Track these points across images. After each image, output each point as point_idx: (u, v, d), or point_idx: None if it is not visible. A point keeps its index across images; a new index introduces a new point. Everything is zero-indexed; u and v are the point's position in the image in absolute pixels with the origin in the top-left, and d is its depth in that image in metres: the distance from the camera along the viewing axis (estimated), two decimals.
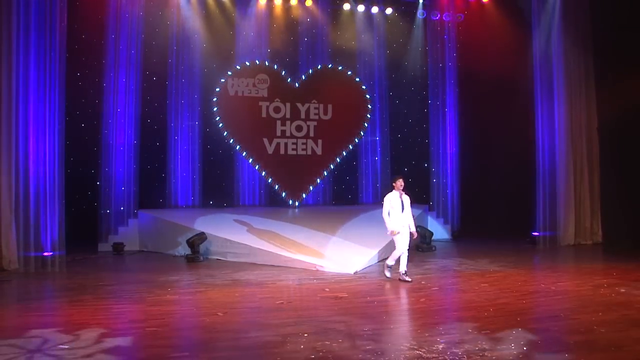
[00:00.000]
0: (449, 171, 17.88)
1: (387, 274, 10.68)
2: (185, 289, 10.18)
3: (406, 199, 10.58)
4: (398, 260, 10.55)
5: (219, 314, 8.28)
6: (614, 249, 14.07)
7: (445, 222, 17.65)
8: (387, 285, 10.27)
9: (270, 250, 12.78)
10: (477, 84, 17.13)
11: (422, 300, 9.02)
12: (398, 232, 10.36)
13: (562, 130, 15.21)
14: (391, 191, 10.64)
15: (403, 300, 9.16)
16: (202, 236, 13.45)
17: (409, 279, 10.33)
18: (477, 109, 17.30)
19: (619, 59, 14.60)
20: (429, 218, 17.21)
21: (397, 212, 10.42)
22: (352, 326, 7.46)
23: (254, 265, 12.48)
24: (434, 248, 14.80)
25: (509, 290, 9.62)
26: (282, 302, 8.93)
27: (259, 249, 12.92)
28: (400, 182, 10.56)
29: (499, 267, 11.97)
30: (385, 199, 10.60)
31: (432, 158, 18.08)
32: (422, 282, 10.50)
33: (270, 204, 17.29)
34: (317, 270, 11.72)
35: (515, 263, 12.45)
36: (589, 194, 15.47)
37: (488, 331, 7.12)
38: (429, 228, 15.87)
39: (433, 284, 10.43)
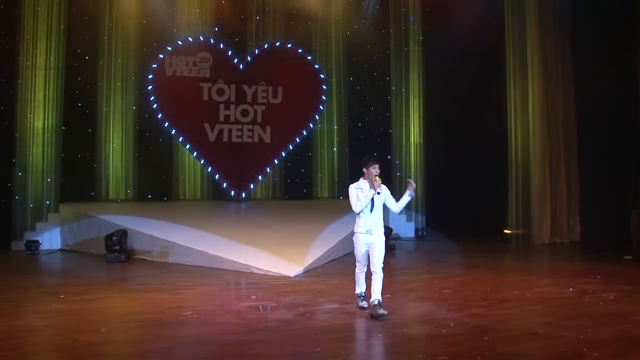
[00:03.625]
0: (413, 163, 15.98)
1: (361, 304, 7.25)
2: (81, 295, 8.09)
3: (381, 195, 6.84)
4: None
5: (102, 329, 6.31)
6: (593, 248, 12.33)
7: (409, 219, 15.76)
8: (329, 293, 8.33)
9: (200, 249, 10.79)
10: (445, 70, 15.21)
11: (367, 312, 7.11)
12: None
13: (537, 119, 13.45)
14: (358, 180, 7.07)
15: (342, 314, 7.21)
16: (123, 233, 11.38)
17: (384, 312, 6.65)
18: (444, 97, 15.39)
19: (598, 42, 12.79)
20: (391, 214, 15.33)
21: (365, 210, 6.85)
22: (264, 350, 5.53)
23: (181, 266, 10.54)
24: (393, 247, 12.91)
25: (476, 299, 7.77)
26: (189, 314, 6.94)
27: (188, 247, 10.94)
28: (375, 169, 6.85)
29: (465, 270, 10.17)
30: (350, 189, 7.01)
31: (395, 149, 16.18)
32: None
33: (215, 197, 15.27)
34: (252, 272, 9.78)
35: (485, 265, 10.68)
36: (566, 188, 13.72)
37: (445, 358, 5.23)
38: (390, 225, 13.95)
39: (385, 290, 8.50)
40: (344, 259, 11.35)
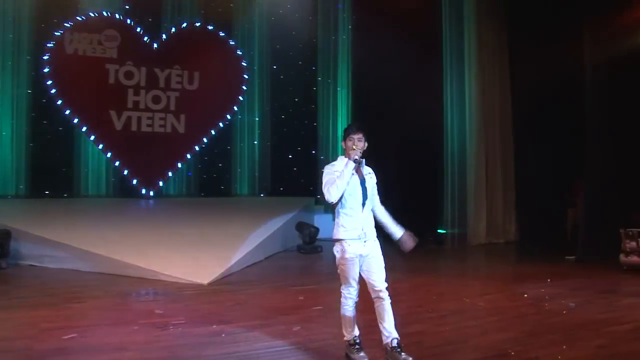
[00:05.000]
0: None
1: (359, 356, 4.86)
2: None
3: (370, 180, 4.83)
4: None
5: None
6: (530, 248, 11.60)
7: (333, 219, 14.60)
8: (249, 305, 7.01)
9: (100, 253, 9.12)
10: (377, 61, 14.13)
11: (295, 329, 5.85)
12: (348, 258, 4.66)
13: (473, 114, 12.63)
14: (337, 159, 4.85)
15: (266, 333, 5.92)
16: (4, 234, 9.56)
17: (407, 357, 4.63)
18: (374, 89, 14.30)
19: (537, 37, 12.06)
20: (316, 213, 14.16)
21: (354, 203, 4.66)
22: None
23: (77, 273, 8.87)
24: (319, 249, 11.72)
25: (423, 310, 6.68)
26: (70, 337, 5.42)
27: (86, 251, 9.24)
28: (359, 142, 4.69)
29: (403, 275, 9.06)
30: (324, 172, 4.78)
31: (321, 143, 15.05)
32: (300, 299, 7.34)
33: (121, 194, 13.58)
34: (160, 280, 8.30)
35: (424, 268, 9.68)
36: (502, 186, 12.98)
37: None
38: (315, 224, 12.75)
39: (313, 301, 7.28)
40: (265, 264, 10.07)
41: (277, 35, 15.16)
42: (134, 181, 13.25)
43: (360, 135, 4.68)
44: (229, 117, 14.25)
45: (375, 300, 4.75)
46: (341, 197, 4.61)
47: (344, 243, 4.64)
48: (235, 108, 14.34)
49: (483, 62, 12.72)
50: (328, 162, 14.44)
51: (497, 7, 12.93)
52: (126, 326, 5.88)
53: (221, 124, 14.03)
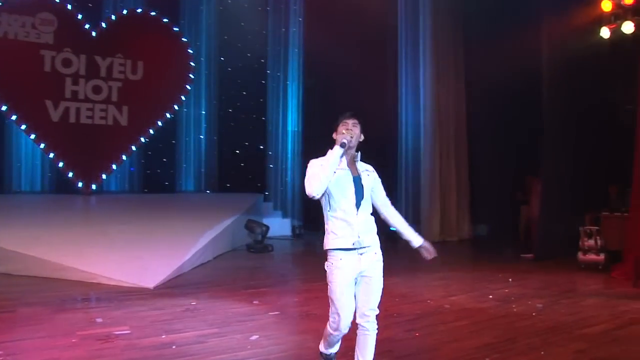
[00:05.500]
0: (289, 154, 14.34)
1: None
2: None
3: (368, 178, 3.90)
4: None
5: None
6: (484, 247, 11.37)
7: (285, 216, 14.13)
8: (202, 311, 6.40)
9: (34, 254, 8.24)
10: (329, 54, 13.62)
11: (253, 339, 5.29)
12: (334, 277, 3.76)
13: (427, 110, 12.31)
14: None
15: (225, 346, 5.33)
16: None
17: None
18: (325, 82, 13.85)
19: (492, 34, 11.83)
20: (265, 210, 13.60)
21: (346, 204, 3.75)
22: None
23: (7, 277, 7.98)
24: (270, 248, 11.17)
25: (388, 314, 6.17)
26: None
27: (17, 252, 8.34)
28: (354, 127, 3.86)
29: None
30: (310, 165, 3.84)
31: (270, 139, 14.48)
32: (254, 303, 6.78)
33: (58, 190, 12.63)
34: (100, 283, 7.57)
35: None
36: (456, 184, 12.74)
37: None
38: (265, 222, 12.17)
39: (268, 305, 6.74)
40: (214, 264, 9.43)
41: (225, 26, 14.51)
42: (72, 176, 12.23)
43: (355, 121, 3.83)
44: (174, 109, 13.42)
45: (359, 327, 3.81)
46: (330, 198, 3.73)
47: (333, 254, 3.71)
48: (181, 100, 13.53)
49: (438, 59, 12.42)
50: (277, 158, 13.99)
51: (454, 3, 12.65)
52: (62, 339, 5.17)
53: (166, 117, 13.18)
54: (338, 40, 12.97)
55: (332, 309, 3.81)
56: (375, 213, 3.93)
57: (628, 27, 8.98)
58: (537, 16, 9.81)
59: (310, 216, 14.12)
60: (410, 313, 6.33)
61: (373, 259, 3.79)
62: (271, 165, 14.52)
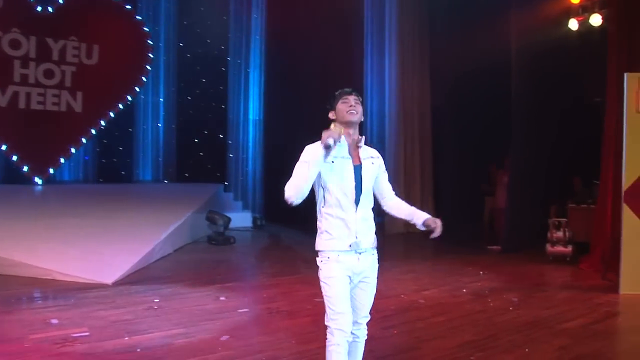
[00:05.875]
0: (250, 144, 13.88)
1: None
2: None
3: (372, 167, 3.28)
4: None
5: None
6: (449, 237, 11.14)
7: (245, 207, 13.69)
8: (165, 309, 5.97)
9: None
10: (291, 42, 13.21)
11: (223, 339, 4.92)
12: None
13: (392, 100, 12.04)
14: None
15: (185, 343, 4.95)
16: None
17: None
18: (289, 71, 13.39)
19: (456, 22, 11.59)
20: (225, 201, 13.14)
21: (343, 199, 3.16)
22: None
23: None
24: (232, 240, 10.73)
25: None
26: None
27: None
28: (357, 104, 3.22)
29: (306, 269, 8.30)
30: (304, 152, 3.18)
31: (230, 127, 13.99)
32: (221, 299, 6.39)
33: (6, 180, 11.86)
34: (55, 280, 7.03)
35: None
36: (420, 175, 12.54)
37: None
38: (225, 213, 11.72)
39: (235, 301, 6.37)
40: (175, 258, 8.96)
41: (185, 10, 13.93)
42: (22, 165, 11.50)
43: (357, 97, 3.22)
44: (131, 96, 12.78)
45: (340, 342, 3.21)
46: (325, 191, 3.16)
47: (328, 256, 3.15)
48: (139, 87, 12.89)
49: (404, 48, 12.16)
50: (237, 147, 13.52)
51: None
52: (13, 344, 4.68)
53: (123, 104, 12.52)
54: (301, 27, 12.60)
55: (330, 315, 3.14)
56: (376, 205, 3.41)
57: (596, 20, 8.91)
58: (506, 7, 9.63)
59: (272, 207, 13.74)
60: (385, 309, 6.04)
61: (371, 261, 3.29)
62: (231, 155, 14.05)
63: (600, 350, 4.87)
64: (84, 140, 12.21)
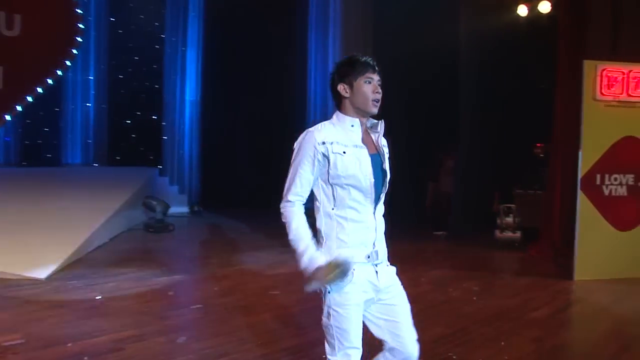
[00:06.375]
0: (187, 126, 13.12)
1: None
2: None
3: (386, 157, 2.56)
4: None
5: None
6: (392, 223, 10.85)
7: (182, 191, 12.98)
8: (110, 307, 5.37)
9: None
10: (231, 20, 12.50)
11: (180, 341, 4.42)
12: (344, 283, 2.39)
13: None
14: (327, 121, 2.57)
15: (138, 348, 4.40)
16: None
17: None
18: (230, 50, 12.71)
19: (401, 5, 11.21)
20: (161, 186, 12.40)
21: (361, 197, 2.42)
22: None
23: None
24: (171, 227, 10.10)
25: (318, 305, 5.55)
26: None
27: None
28: (371, 84, 2.47)
29: (275, 256, 7.92)
30: (302, 146, 2.45)
31: (166, 108, 13.17)
32: (170, 294, 5.85)
33: None
34: None
35: (290, 251, 8.51)
36: None
37: None
38: (160, 198, 10.99)
39: (186, 296, 5.86)
40: (111, 247, 8.29)
41: None
42: None
43: (379, 79, 2.51)
44: (59, 72, 11.70)
45: None
46: (334, 189, 2.42)
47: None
48: (67, 63, 11.81)
49: (348, 31, 11.69)
50: (173, 129, 12.83)
51: None
52: None
53: (50, 80, 11.43)
54: (242, 5, 11.97)
55: (338, 350, 2.43)
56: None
57: (544, 7, 8.83)
58: None
59: (208, 192, 13.13)
60: None
61: (389, 272, 2.59)
62: (166, 137, 13.25)
63: (573, 341, 4.78)
64: (8, 118, 11.05)
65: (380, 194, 2.47)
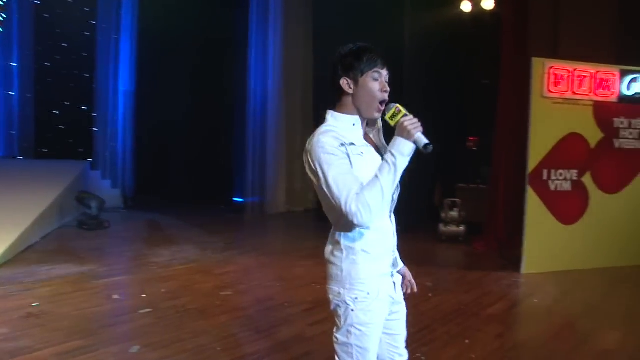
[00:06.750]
0: (120, 117, 12.45)
1: None
2: None
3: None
4: None
5: None
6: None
7: (115, 186, 12.32)
8: (50, 315, 4.91)
9: None
10: (167, 7, 11.86)
11: (133, 352, 4.07)
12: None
13: (276, 74, 11.32)
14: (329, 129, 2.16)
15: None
16: None
17: None
18: (167, 39, 12.10)
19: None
20: (92, 180, 11.74)
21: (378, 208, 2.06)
22: None
23: None
24: (106, 224, 9.53)
25: (276, 304, 5.33)
26: None
27: None
28: (381, 78, 2.18)
29: (220, 253, 7.61)
30: (325, 155, 2.05)
31: (97, 98, 12.46)
32: (115, 298, 5.44)
33: None
34: None
35: (241, 246, 8.23)
36: (301, 151, 11.97)
37: None
38: (94, 193, 10.36)
39: (133, 299, 5.46)
40: (43, 247, 7.72)
41: None
42: None
43: (388, 75, 2.23)
44: None
45: None
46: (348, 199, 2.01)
47: (369, 291, 2.15)
48: None
49: (289, 21, 11.46)
50: (105, 120, 12.24)
51: None
52: None
53: None
54: None
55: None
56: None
57: (488, 3, 8.91)
58: None
59: (142, 186, 12.56)
60: (302, 301, 5.49)
61: (398, 280, 2.40)
62: (97, 129, 12.54)
63: (533, 336, 4.73)
64: None
65: (394, 195, 2.23)
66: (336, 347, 2.21)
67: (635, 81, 6.86)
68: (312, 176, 2.14)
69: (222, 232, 9.41)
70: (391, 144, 2.10)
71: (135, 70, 12.34)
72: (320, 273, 6.39)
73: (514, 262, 6.91)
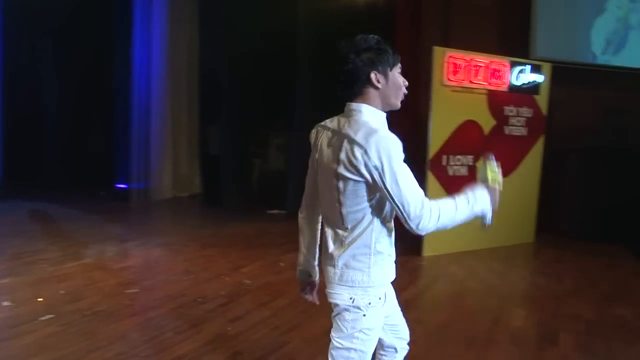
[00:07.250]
0: None
1: None
2: None
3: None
4: None
5: None
6: (218, 201, 10.21)
7: None
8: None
9: None
10: None
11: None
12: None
13: (160, 59, 10.65)
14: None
15: None
16: None
17: None
18: (35, 15, 10.91)
19: None
20: None
21: (389, 206, 2.12)
22: None
23: None
24: None
25: (188, 300, 5.03)
26: None
27: None
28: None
29: (116, 246, 7.10)
30: (399, 163, 1.97)
31: None
32: (5, 305, 4.84)
33: None
34: None
35: (127, 236, 7.70)
36: (187, 135, 11.49)
37: None
38: None
39: (29, 306, 4.90)
40: None
41: None
42: None
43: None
44: None
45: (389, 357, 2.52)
46: (382, 199, 2.08)
47: (380, 295, 2.16)
48: None
49: (175, 9, 10.83)
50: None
51: None
52: None
53: None
54: None
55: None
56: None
57: None
58: None
59: (13, 167, 11.33)
60: (215, 295, 5.25)
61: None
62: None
63: (449, 319, 4.85)
64: None
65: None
66: (334, 351, 2.17)
67: (522, 72, 7.27)
68: (362, 171, 1.99)
69: (110, 221, 8.76)
70: (481, 192, 2.13)
71: (1, 45, 11.01)
72: (224, 263, 6.20)
73: (412, 244, 7.08)
